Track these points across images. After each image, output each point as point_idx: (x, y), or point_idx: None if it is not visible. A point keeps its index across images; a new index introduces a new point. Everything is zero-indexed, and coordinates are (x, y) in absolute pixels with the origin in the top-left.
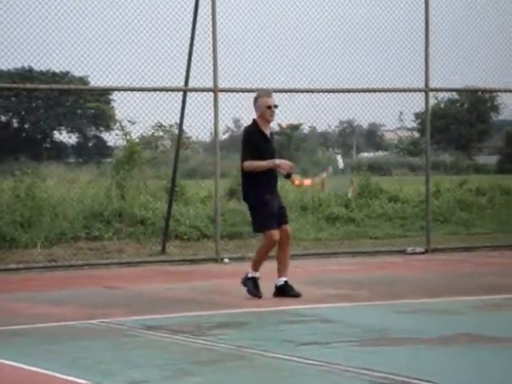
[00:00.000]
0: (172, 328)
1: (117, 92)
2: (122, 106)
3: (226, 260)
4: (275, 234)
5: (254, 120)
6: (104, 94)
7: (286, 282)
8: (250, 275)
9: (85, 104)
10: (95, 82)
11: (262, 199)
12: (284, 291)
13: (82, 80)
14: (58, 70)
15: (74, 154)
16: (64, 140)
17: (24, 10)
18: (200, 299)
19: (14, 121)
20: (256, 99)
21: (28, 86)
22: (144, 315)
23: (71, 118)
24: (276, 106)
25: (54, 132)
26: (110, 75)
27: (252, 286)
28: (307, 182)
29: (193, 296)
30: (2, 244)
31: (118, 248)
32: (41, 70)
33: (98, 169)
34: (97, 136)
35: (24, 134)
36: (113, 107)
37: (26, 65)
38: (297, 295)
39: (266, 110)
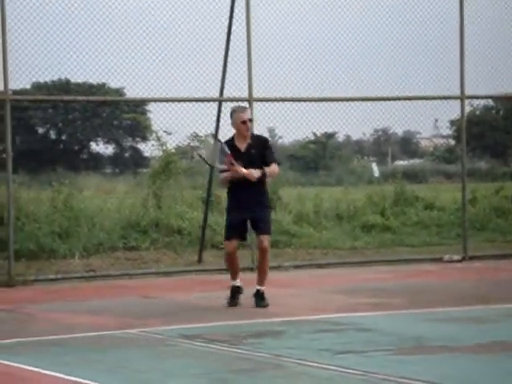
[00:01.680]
0: (209, 337)
1: (152, 103)
2: (158, 116)
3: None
4: (227, 244)
5: (232, 135)
6: (140, 105)
7: (257, 290)
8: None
9: (121, 115)
10: (131, 93)
11: (228, 209)
12: (255, 299)
13: (118, 91)
14: (94, 82)
15: (110, 164)
16: (101, 151)
17: (61, 23)
18: (237, 308)
19: (52, 132)
20: (231, 114)
21: (65, 97)
22: (182, 324)
23: (108, 129)
24: (251, 120)
25: (91, 143)
26: (146, 86)
27: (230, 294)
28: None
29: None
30: (40, 254)
31: (155, 258)
32: (78, 82)
33: (135, 179)
34: (133, 147)
35: (61, 146)
36: (149, 118)
37: (63, 77)
38: (261, 306)
39: (240, 125)
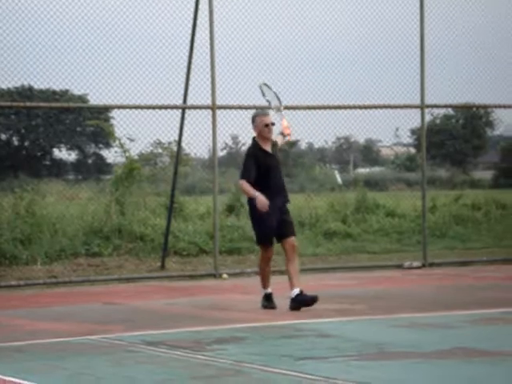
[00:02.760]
0: (171, 343)
1: (116, 110)
2: (122, 123)
3: (225, 275)
4: (267, 249)
5: (253, 139)
6: (103, 111)
7: (301, 291)
8: (262, 293)
9: (84, 122)
10: (94, 99)
11: (258, 213)
12: (300, 301)
13: (82, 98)
14: (57, 89)
15: (73, 171)
16: (64, 157)
17: (23, 29)
18: (199, 314)
19: (14, 139)
20: (254, 118)
21: (28, 104)
22: (144, 331)
23: (71, 136)
24: (273, 124)
25: (54, 149)
26: (110, 93)
27: (264, 301)
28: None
29: (192, 311)
30: (2, 261)
31: (118, 264)
32: (40, 89)
33: (98, 185)
34: (96, 153)
35: (24, 152)
36: (112, 125)
37: (25, 83)
38: (314, 299)
39: (263, 129)
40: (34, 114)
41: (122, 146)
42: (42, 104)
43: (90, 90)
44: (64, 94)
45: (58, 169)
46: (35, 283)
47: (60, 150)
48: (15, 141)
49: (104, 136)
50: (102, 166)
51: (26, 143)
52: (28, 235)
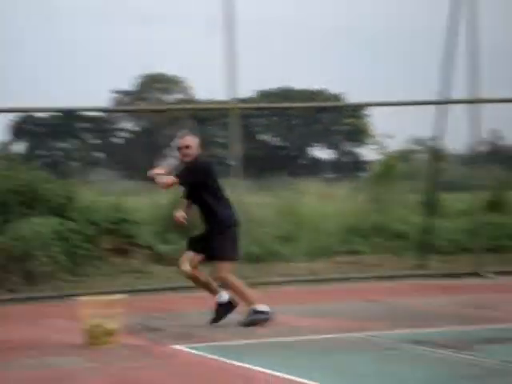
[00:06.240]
0: (435, 342)
1: (372, 107)
2: (378, 121)
3: (491, 275)
4: (233, 265)
5: None
6: (358, 110)
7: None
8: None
9: (341, 120)
10: (350, 98)
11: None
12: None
13: (337, 97)
14: (314, 89)
15: (331, 169)
16: (320, 156)
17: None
18: (462, 314)
19: (275, 139)
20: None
21: (285, 104)
22: (405, 329)
23: (327, 135)
24: (187, 147)
25: (311, 148)
26: (365, 91)
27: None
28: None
29: (455, 310)
30: (266, 257)
31: (377, 262)
32: (299, 89)
33: (354, 183)
34: (352, 151)
35: (283, 152)
36: (367, 122)
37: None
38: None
39: (177, 151)
40: (293, 114)
41: (378, 143)
42: (295, 104)
43: (346, 88)
44: (321, 94)
45: (316, 168)
46: (295, 280)
47: (318, 149)
48: (275, 141)
49: (359, 134)
50: (358, 164)
51: (286, 143)
52: (289, 233)
